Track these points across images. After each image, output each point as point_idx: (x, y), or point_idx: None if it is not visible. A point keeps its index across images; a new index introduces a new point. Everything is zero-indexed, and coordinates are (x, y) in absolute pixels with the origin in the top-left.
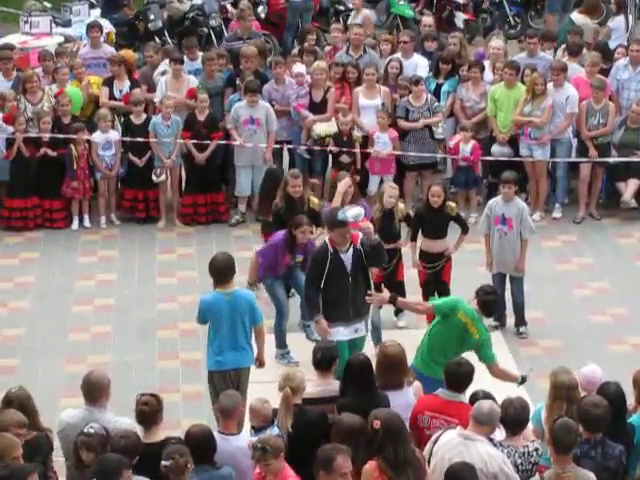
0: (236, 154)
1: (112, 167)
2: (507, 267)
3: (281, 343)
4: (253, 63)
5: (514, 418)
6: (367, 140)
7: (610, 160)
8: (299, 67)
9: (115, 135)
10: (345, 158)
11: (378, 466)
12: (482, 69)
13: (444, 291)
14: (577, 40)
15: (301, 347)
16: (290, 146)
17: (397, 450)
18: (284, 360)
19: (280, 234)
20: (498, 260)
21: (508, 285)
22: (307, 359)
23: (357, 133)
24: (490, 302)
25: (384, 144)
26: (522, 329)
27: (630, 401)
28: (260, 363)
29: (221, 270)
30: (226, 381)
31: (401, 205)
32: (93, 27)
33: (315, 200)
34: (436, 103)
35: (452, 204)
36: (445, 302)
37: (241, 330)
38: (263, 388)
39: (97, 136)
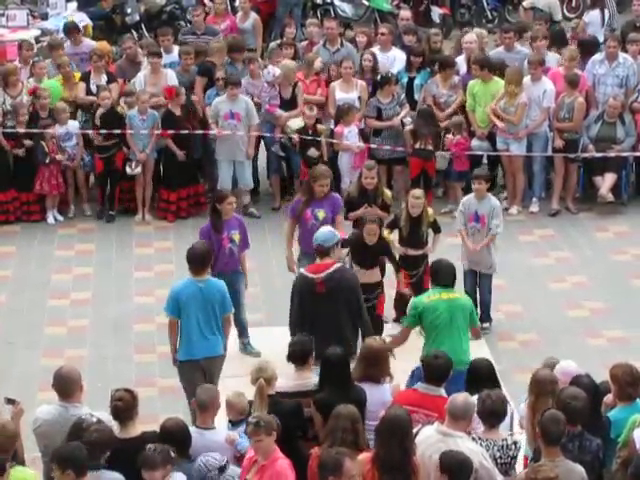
0: (217, 148)
1: (74, 157)
2: (479, 264)
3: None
4: (219, 60)
5: (491, 411)
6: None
7: (584, 155)
8: (273, 69)
9: (75, 126)
10: (313, 152)
11: (371, 459)
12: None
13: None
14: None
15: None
16: (266, 134)
17: (384, 449)
18: (246, 350)
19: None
20: (471, 257)
21: None
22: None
23: (323, 126)
24: (437, 268)
25: (356, 135)
26: (485, 325)
27: (607, 395)
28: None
29: (197, 258)
30: (196, 370)
31: (429, 211)
32: (71, 30)
33: (388, 193)
34: (402, 96)
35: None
36: (409, 313)
37: (213, 319)
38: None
39: (58, 128)
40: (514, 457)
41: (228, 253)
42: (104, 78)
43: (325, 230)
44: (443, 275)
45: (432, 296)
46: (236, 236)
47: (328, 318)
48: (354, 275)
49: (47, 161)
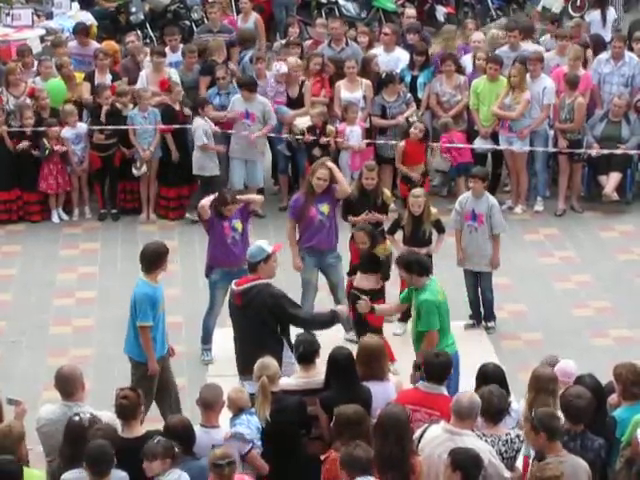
0: (232, 146)
1: (82, 160)
2: (478, 263)
3: (205, 338)
4: (219, 58)
5: (495, 408)
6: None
7: (589, 152)
8: (280, 65)
9: (84, 128)
10: (317, 151)
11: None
12: (455, 62)
13: None
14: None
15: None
16: (272, 135)
17: (382, 447)
18: (202, 355)
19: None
20: (469, 256)
21: None
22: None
23: (331, 127)
24: (409, 261)
25: (359, 136)
26: (490, 324)
27: (612, 395)
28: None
29: (143, 257)
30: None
31: (433, 210)
32: (81, 31)
33: (387, 193)
34: (408, 95)
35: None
36: (432, 316)
37: (130, 318)
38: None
39: (66, 132)
40: (518, 450)
41: (231, 242)
42: (109, 77)
43: (256, 245)
44: (428, 263)
45: (441, 293)
46: (238, 224)
47: (247, 331)
48: (273, 294)
49: (47, 153)
